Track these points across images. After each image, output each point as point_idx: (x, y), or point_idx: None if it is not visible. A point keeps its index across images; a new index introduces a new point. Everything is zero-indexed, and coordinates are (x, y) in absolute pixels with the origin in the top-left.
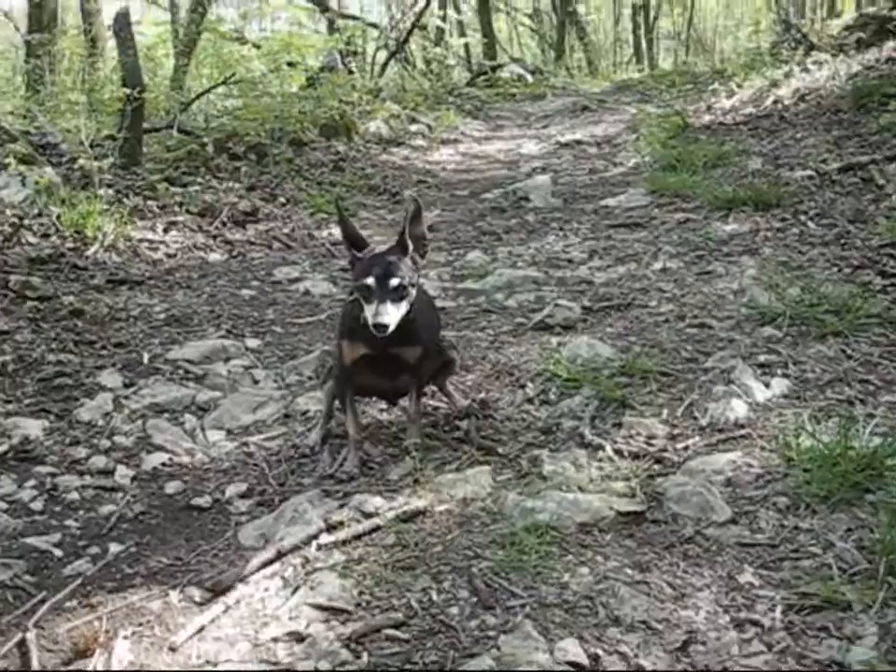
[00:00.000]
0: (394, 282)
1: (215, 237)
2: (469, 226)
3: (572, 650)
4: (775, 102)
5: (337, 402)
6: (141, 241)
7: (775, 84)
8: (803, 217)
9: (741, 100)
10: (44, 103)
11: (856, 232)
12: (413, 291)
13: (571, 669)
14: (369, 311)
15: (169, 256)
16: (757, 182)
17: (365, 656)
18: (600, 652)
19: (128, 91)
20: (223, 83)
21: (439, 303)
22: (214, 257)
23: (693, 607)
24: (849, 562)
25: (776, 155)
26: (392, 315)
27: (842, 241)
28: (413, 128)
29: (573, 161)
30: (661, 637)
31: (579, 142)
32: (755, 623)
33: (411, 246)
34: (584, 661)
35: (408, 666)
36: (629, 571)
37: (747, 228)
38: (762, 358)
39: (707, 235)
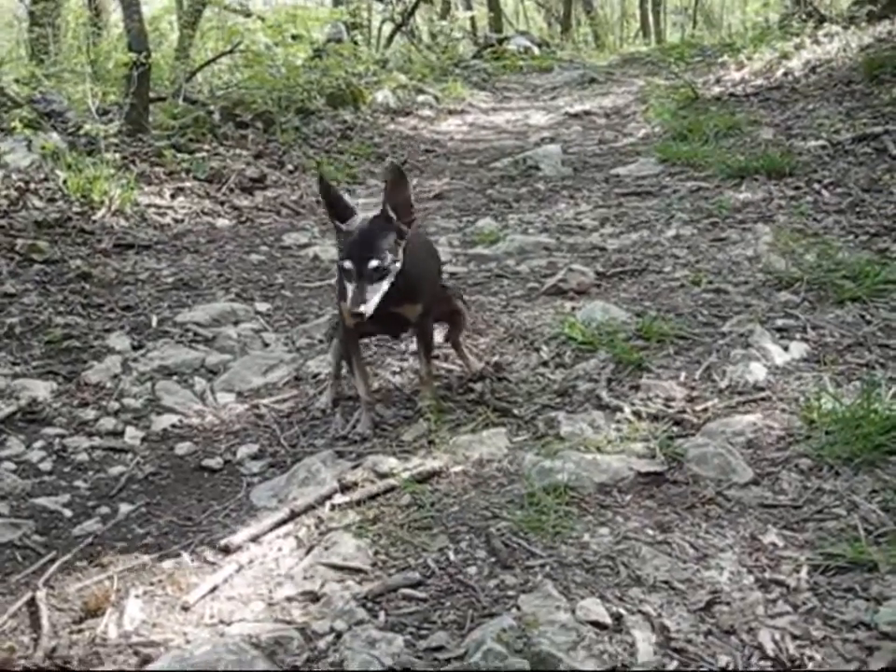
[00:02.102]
0: (373, 264)
1: (222, 203)
2: (479, 194)
3: (594, 609)
4: (785, 74)
5: (346, 365)
6: (148, 206)
7: (785, 56)
8: (817, 186)
9: (751, 72)
10: (49, 70)
11: (871, 201)
12: (397, 265)
13: (594, 629)
14: (349, 293)
15: (177, 221)
16: (769, 151)
17: (382, 615)
18: (623, 612)
19: (134, 56)
20: (229, 52)
21: (450, 269)
22: (222, 222)
23: (716, 567)
24: (875, 523)
25: (787, 125)
26: (370, 300)
27: (857, 209)
28: (420, 98)
29: (582, 132)
30: (684, 598)
31: (587, 113)
32: (780, 584)
33: (393, 217)
34: (607, 620)
35: (426, 625)
36: (650, 531)
37: (760, 196)
38: (779, 323)
39: (720, 203)
